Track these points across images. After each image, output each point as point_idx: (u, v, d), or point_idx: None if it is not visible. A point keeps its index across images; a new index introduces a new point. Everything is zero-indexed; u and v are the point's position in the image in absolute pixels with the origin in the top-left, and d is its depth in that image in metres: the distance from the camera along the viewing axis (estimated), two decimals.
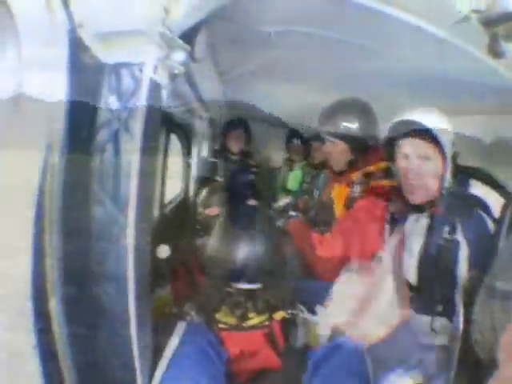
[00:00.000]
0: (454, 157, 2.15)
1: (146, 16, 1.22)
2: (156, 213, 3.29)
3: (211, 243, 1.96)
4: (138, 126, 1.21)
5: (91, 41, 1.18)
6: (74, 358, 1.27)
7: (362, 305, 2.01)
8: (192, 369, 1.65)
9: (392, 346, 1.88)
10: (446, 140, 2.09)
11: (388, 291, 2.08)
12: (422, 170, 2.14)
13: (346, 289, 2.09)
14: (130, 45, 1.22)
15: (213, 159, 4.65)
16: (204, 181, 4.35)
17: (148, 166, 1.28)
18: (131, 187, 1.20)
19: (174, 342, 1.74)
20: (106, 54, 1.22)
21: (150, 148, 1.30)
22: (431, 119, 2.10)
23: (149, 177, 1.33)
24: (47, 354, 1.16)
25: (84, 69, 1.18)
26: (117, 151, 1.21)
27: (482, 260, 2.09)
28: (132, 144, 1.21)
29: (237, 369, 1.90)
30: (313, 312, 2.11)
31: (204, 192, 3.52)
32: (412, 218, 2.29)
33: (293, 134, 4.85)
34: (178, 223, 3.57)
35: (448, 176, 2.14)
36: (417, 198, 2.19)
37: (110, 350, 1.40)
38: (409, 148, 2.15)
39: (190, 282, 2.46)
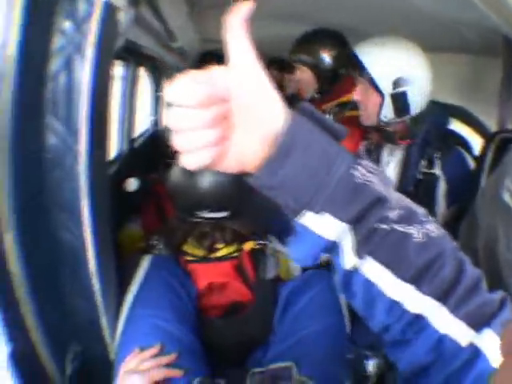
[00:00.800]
0: (397, 94, 2.16)
1: None
2: (125, 146, 3.24)
3: (176, 172, 1.90)
4: (91, 49, 1.15)
5: None
6: (34, 299, 1.23)
7: None
8: (158, 305, 1.64)
9: None
10: (381, 75, 2.12)
11: None
12: (362, 102, 2.26)
13: None
14: None
15: None
16: None
17: (101, 92, 1.23)
18: (83, 112, 1.15)
19: (139, 276, 1.72)
20: None
21: (104, 73, 1.24)
22: (373, 52, 2.12)
23: (103, 104, 1.28)
24: (4, 299, 1.13)
25: None
26: (70, 77, 1.16)
27: (461, 197, 2.11)
28: (85, 68, 1.15)
29: (207, 304, 1.89)
30: (284, 243, 2.10)
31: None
32: (387, 149, 2.31)
33: (269, 63, 4.79)
34: (148, 156, 3.53)
35: (388, 112, 2.18)
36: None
37: (72, 287, 1.37)
38: (355, 79, 2.26)
39: (159, 216, 2.44)
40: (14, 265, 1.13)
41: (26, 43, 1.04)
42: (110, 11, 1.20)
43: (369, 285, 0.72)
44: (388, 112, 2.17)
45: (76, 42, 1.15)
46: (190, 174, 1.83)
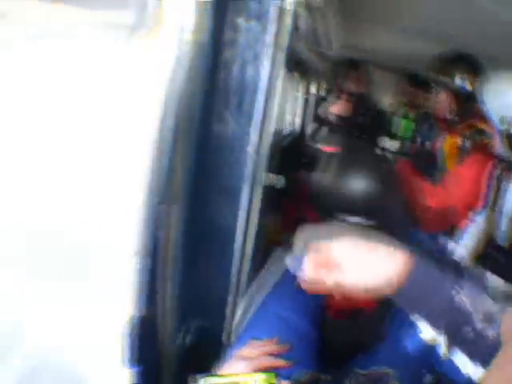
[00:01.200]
0: (506, 132, 2.20)
1: None
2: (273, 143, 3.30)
3: (326, 177, 1.98)
4: (265, 47, 1.23)
5: None
6: (178, 270, 1.35)
7: None
8: (288, 298, 1.70)
9: None
10: (492, 110, 2.16)
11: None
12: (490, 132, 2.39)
13: None
14: None
15: (328, 98, 4.64)
16: (322, 119, 4.36)
17: (271, 88, 1.30)
18: (257, 104, 1.24)
19: (275, 269, 1.80)
20: None
21: (275, 70, 1.31)
22: (489, 87, 2.17)
23: (272, 99, 1.35)
24: (152, 266, 1.22)
25: None
26: (243, 70, 1.24)
27: None
28: (258, 64, 1.23)
29: (332, 304, 1.94)
30: None
31: (323, 130, 3.54)
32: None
33: (410, 79, 4.75)
34: (292, 156, 3.61)
35: (502, 146, 2.22)
36: None
37: (214, 265, 1.46)
38: None
39: (298, 214, 2.52)
40: (173, 235, 1.22)
41: (201, 32, 1.12)
42: (281, 13, 1.27)
43: (451, 363, 1.07)
44: (502, 146, 2.18)
45: (248, 37, 1.23)
46: (338, 177, 1.91)
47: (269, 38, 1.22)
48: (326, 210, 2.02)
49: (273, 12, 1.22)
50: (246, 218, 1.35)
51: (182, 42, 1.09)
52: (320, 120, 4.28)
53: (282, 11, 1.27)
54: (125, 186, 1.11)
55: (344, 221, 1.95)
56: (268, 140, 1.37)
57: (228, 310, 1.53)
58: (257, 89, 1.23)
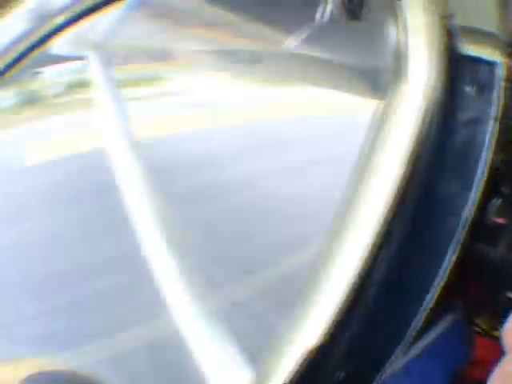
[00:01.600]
0: None
1: (498, 22, 1.29)
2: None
3: (495, 250, 1.97)
4: (486, 117, 1.27)
5: (458, 31, 1.27)
6: (371, 306, 1.37)
7: None
8: (437, 357, 1.71)
9: None
10: None
11: None
12: None
13: None
14: (484, 43, 1.28)
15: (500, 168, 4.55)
16: (497, 189, 4.26)
17: (488, 158, 1.34)
18: (478, 174, 1.28)
19: (437, 330, 1.81)
20: (465, 46, 1.30)
21: (492, 142, 1.35)
22: None
23: (486, 170, 1.39)
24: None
25: (449, 55, 1.26)
26: (469, 136, 1.28)
27: None
28: (480, 133, 1.27)
29: (465, 373, 1.93)
30: None
31: (498, 201, 3.47)
32: None
33: None
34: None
35: None
36: None
37: (396, 315, 1.47)
38: None
39: (462, 284, 2.50)
40: (376, 279, 1.28)
41: (438, 92, 1.18)
42: (499, 85, 1.31)
43: None
44: None
45: (473, 106, 1.28)
46: (506, 251, 1.88)
47: (490, 109, 1.26)
48: (491, 283, 2.00)
49: (495, 85, 1.27)
50: (440, 280, 1.37)
51: (424, 98, 1.15)
52: (494, 190, 4.17)
53: (499, 84, 1.31)
54: (358, 224, 1.17)
55: (508, 298, 1.92)
56: (476, 205, 1.40)
57: (390, 360, 1.55)
58: (478, 159, 1.27)
